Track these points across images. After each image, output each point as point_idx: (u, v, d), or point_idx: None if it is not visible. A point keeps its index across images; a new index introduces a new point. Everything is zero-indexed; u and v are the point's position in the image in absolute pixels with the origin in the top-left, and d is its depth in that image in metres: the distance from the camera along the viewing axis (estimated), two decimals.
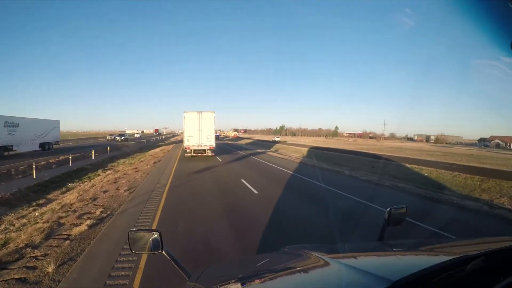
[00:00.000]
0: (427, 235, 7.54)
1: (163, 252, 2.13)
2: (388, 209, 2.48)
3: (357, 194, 12.35)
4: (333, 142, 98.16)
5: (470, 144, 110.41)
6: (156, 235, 2.13)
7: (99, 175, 20.52)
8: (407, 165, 26.82)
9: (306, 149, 46.96)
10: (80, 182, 18.01)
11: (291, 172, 19.26)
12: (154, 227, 7.97)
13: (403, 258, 1.88)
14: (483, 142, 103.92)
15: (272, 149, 47.08)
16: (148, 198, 11.33)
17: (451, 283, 1.22)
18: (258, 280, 1.60)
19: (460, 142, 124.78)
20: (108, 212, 9.51)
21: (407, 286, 1.09)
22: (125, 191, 12.92)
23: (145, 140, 64.65)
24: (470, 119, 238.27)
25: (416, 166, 26.16)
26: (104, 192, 13.00)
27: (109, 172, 21.32)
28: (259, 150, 42.32)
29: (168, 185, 13.90)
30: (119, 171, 21.48)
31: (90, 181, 18.03)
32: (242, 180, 15.22)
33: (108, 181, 16.57)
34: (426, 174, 22.55)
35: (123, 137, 63.56)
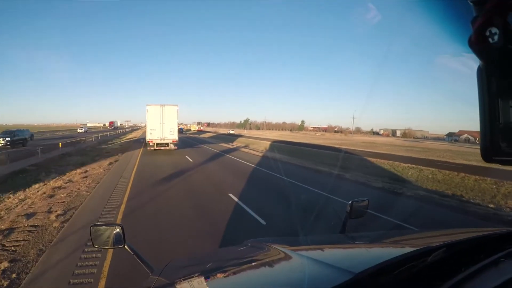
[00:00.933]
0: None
1: (126, 246, 2.10)
2: (350, 202, 2.51)
3: (414, 221, 8.51)
4: (301, 136, 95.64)
5: (438, 139, 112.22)
6: (118, 230, 2.11)
7: (39, 180, 15.65)
8: (402, 164, 24.29)
9: (279, 144, 43.77)
10: (12, 193, 13.14)
11: (289, 180, 15.23)
12: None
13: (365, 250, 1.90)
14: (453, 137, 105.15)
15: (242, 144, 43.45)
16: (88, 238, 7.02)
17: (413, 274, 1.22)
18: (221, 274, 1.61)
19: (426, 137, 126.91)
20: (13, 276, 5.37)
21: (370, 278, 1.09)
22: (57, 217, 8.71)
23: (84, 138, 42.11)
24: (433, 114, 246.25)
25: (412, 165, 23.69)
26: (29, 216, 8.77)
27: (52, 176, 16.57)
28: (229, 146, 39.14)
29: (123, 207, 9.71)
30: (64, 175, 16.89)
31: (24, 191, 13.34)
32: (232, 196, 11.11)
33: (44, 193, 12.14)
34: (430, 176, 20.00)
35: (8, 139, 32.29)
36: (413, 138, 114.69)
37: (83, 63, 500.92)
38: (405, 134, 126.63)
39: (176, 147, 28.22)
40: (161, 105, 27.63)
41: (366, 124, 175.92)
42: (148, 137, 27.46)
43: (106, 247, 2.19)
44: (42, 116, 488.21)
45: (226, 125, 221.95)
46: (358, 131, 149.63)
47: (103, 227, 2.21)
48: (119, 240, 2.10)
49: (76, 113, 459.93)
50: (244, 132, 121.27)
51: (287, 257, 1.58)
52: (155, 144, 27.46)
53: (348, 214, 2.50)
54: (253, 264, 1.70)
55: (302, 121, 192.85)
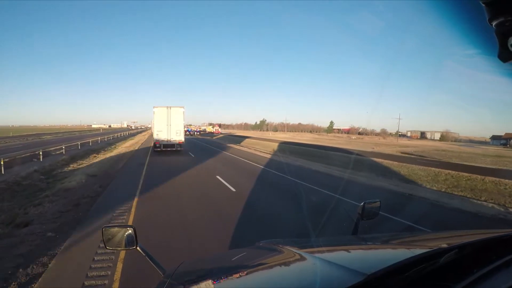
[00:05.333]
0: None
1: (138, 248, 1.99)
2: (362, 203, 2.39)
3: None
4: (344, 141, 75.66)
5: (481, 142, 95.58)
6: (130, 231, 1.98)
7: None
8: None
9: (340, 154, 28.35)
10: None
11: None
12: None
13: (377, 251, 1.87)
14: (501, 140, 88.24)
15: (293, 156, 26.79)
16: None
17: (425, 275, 1.20)
18: (231, 276, 1.56)
19: (456, 139, 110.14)
20: None
21: (382, 279, 1.06)
22: None
23: None
24: (446, 116, 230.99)
25: None
26: None
27: None
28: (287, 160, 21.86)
29: None
30: None
31: None
32: None
33: None
34: None
35: None
36: (451, 141, 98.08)
37: (90, 64, 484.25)
38: (443, 137, 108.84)
39: (182, 148, 27.35)
40: (167, 107, 26.77)
41: (376, 125, 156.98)
42: (155, 139, 26.66)
43: (119, 249, 2.04)
44: (51, 117, 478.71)
45: (240, 126, 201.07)
46: (383, 132, 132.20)
47: (115, 229, 2.01)
48: (131, 241, 1.95)
49: (85, 114, 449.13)
50: (269, 134, 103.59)
51: (298, 259, 1.53)
52: (162, 145, 26.47)
53: (360, 216, 2.34)
54: (264, 265, 1.64)
55: (331, 122, 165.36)
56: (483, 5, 0.77)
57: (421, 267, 1.17)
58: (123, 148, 30.90)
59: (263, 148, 35.47)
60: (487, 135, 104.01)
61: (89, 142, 37.24)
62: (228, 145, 40.25)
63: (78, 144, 32.74)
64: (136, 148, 30.64)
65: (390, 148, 46.32)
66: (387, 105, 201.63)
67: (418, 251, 1.43)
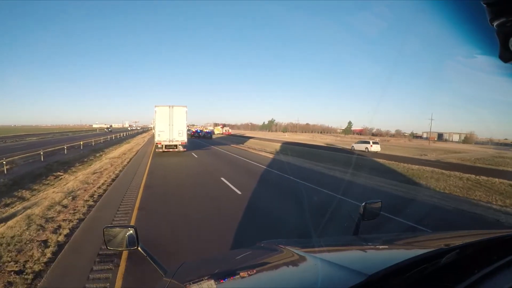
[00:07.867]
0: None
1: (139, 248, 1.92)
2: (363, 204, 2.34)
3: None
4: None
5: (506, 145, 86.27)
6: (131, 231, 1.92)
7: None
8: None
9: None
10: None
11: None
12: None
13: (378, 252, 1.82)
14: None
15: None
16: None
17: (426, 276, 1.17)
18: (233, 276, 1.51)
19: (488, 142, 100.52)
20: None
21: (383, 280, 1.03)
22: None
23: None
24: (448, 115, 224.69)
25: None
26: None
27: None
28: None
29: None
30: None
31: None
32: None
33: None
34: None
35: None
36: (474, 144, 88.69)
37: (92, 64, 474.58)
38: (467, 139, 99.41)
39: (185, 149, 25.17)
40: (169, 106, 24.72)
41: (378, 126, 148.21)
42: (157, 139, 24.60)
43: (120, 249, 1.98)
44: (54, 117, 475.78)
45: (245, 127, 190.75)
46: (398, 134, 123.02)
47: (116, 229, 1.96)
48: (132, 241, 1.90)
49: (88, 114, 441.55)
50: (285, 136, 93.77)
51: (300, 259, 1.49)
52: (164, 146, 24.51)
53: (361, 216, 2.30)
54: (265, 266, 1.59)
55: (349, 123, 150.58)
56: (484, 5, 0.77)
57: (423, 267, 1.15)
58: (107, 161, 20.79)
59: (319, 162, 26.19)
60: (488, 136, 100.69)
61: (63, 149, 27.58)
62: (251, 150, 30.85)
63: (53, 151, 23.54)
64: (125, 164, 19.12)
65: (442, 155, 37.39)
66: (388, 106, 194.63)
67: (419, 251, 1.42)
